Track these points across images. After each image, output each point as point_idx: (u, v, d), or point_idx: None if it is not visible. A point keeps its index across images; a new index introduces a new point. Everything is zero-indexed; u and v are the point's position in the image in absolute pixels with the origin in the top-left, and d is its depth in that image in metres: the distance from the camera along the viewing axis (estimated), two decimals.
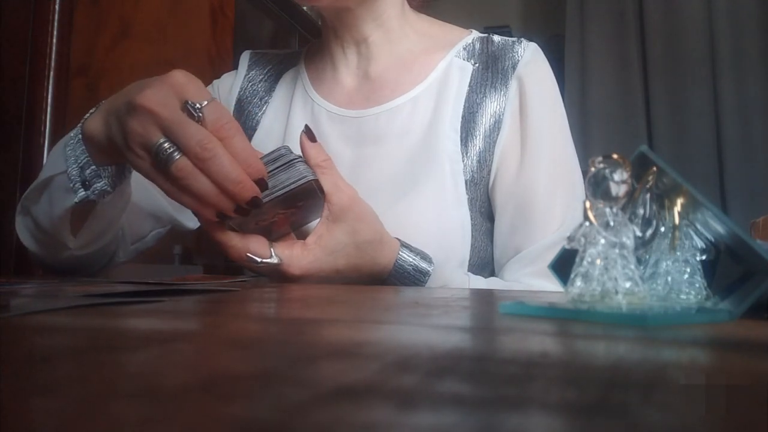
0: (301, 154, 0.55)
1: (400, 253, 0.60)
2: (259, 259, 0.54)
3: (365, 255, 0.57)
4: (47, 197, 0.62)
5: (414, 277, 0.60)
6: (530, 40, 0.79)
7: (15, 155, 1.21)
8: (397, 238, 0.61)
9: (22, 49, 1.29)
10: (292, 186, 0.52)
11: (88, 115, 0.59)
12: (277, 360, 0.17)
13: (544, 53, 0.78)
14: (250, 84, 0.84)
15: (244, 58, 0.87)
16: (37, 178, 0.65)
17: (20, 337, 0.21)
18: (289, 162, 0.53)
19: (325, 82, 0.80)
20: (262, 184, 0.51)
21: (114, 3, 1.43)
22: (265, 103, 0.83)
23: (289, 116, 0.80)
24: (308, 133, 0.57)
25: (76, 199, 0.59)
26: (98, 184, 0.59)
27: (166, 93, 0.49)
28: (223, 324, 0.26)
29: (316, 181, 0.53)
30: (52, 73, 1.29)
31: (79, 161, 0.58)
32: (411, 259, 0.60)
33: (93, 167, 0.58)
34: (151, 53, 1.52)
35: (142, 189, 0.75)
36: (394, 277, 0.60)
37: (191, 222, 0.83)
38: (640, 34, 2.40)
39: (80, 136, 0.58)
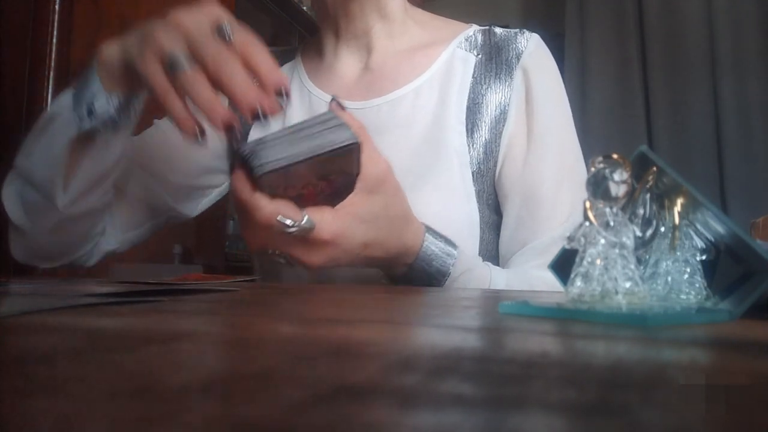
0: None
1: (427, 234, 0.58)
2: (290, 222, 0.50)
3: (393, 231, 0.55)
4: (47, 138, 0.62)
5: (441, 260, 0.58)
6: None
7: (15, 155, 1.20)
8: (423, 223, 0.59)
9: (22, 49, 1.29)
10: (339, 145, 0.50)
11: (103, 45, 0.60)
12: (277, 360, 0.17)
13: None
14: None
15: None
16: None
17: (20, 337, 0.21)
18: (338, 125, 0.51)
19: (322, 74, 0.79)
20: (280, 94, 0.50)
21: (114, 3, 1.43)
22: None
23: (286, 109, 0.79)
24: (338, 103, 0.55)
25: (80, 128, 0.59)
26: (105, 110, 0.59)
27: (202, 15, 0.50)
28: (223, 324, 0.26)
29: (359, 147, 0.51)
30: (52, 73, 1.29)
31: (88, 89, 0.59)
32: (437, 241, 0.58)
33: (102, 92, 0.59)
34: None
35: (137, 178, 0.75)
36: (421, 260, 0.58)
37: (188, 209, 0.82)
38: (640, 34, 2.40)
39: (93, 64, 0.59)
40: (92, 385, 0.13)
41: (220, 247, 1.82)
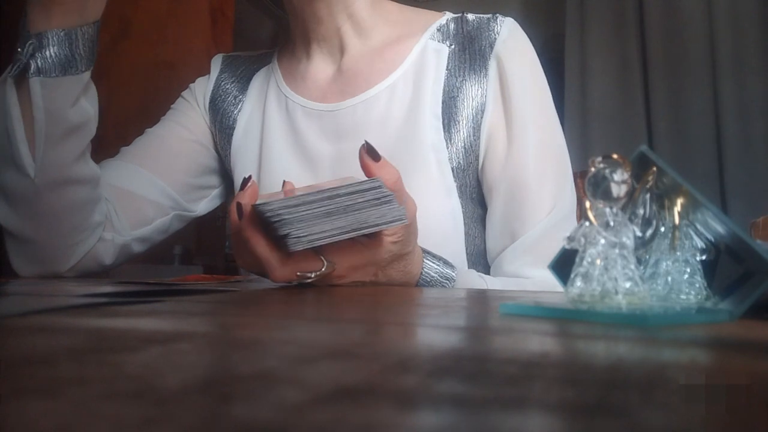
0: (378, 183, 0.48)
1: (425, 260, 0.58)
2: (312, 274, 0.49)
3: (399, 265, 0.55)
4: (2, 98, 0.61)
5: (440, 284, 0.58)
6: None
7: None
8: (421, 248, 0.58)
9: None
10: (388, 225, 0.48)
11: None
12: (277, 360, 0.17)
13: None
14: (223, 83, 0.84)
15: (216, 62, 0.87)
16: None
17: (20, 337, 0.21)
18: (385, 197, 0.47)
19: (297, 78, 0.79)
20: None
21: (114, 3, 1.43)
22: (240, 101, 0.82)
23: (265, 114, 0.79)
24: (371, 152, 0.51)
25: (11, 73, 0.59)
26: (29, 46, 0.59)
27: None
28: (222, 324, 0.26)
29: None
30: None
31: (21, 33, 0.60)
32: (435, 266, 0.58)
33: (27, 32, 0.60)
34: (150, 53, 1.52)
35: (136, 175, 0.75)
36: (420, 286, 0.58)
37: (193, 206, 0.82)
38: (640, 34, 2.40)
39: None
40: (92, 385, 0.13)
41: (220, 248, 1.82)
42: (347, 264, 0.51)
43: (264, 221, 0.47)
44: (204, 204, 0.84)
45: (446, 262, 0.59)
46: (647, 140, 2.33)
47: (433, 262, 0.59)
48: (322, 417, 0.11)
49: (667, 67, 2.33)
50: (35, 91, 0.60)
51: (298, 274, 0.49)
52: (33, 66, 0.59)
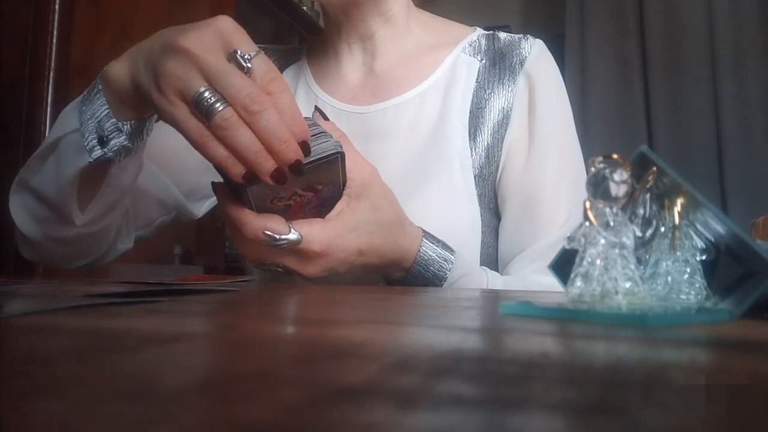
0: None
1: (424, 239, 0.58)
2: (277, 236, 0.50)
3: (388, 236, 0.55)
4: (54, 161, 0.58)
5: (438, 264, 0.58)
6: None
7: (15, 155, 1.20)
8: (419, 227, 0.59)
9: (22, 49, 1.29)
10: (322, 156, 0.49)
11: (108, 66, 0.54)
12: (277, 360, 0.17)
13: None
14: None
15: None
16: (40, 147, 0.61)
17: (20, 337, 0.21)
18: (320, 135, 0.50)
19: (328, 78, 0.80)
20: (305, 147, 0.47)
21: (114, 3, 1.43)
22: None
23: None
24: (321, 113, 0.55)
25: (91, 159, 0.54)
26: (117, 140, 0.54)
27: (213, 38, 0.47)
28: (223, 324, 0.26)
29: (343, 156, 0.50)
30: (52, 73, 1.29)
31: (96, 115, 0.54)
32: (435, 246, 0.59)
33: (113, 120, 0.54)
34: None
35: (149, 173, 0.74)
36: (418, 265, 0.58)
37: (195, 208, 0.81)
38: (640, 34, 2.40)
39: (99, 87, 0.54)
40: (92, 385, 0.13)
41: (220, 248, 1.82)
42: (320, 239, 0.51)
43: (229, 181, 0.50)
44: (207, 204, 0.84)
45: (445, 245, 0.60)
46: (647, 140, 2.33)
47: (432, 242, 0.59)
48: (322, 417, 0.11)
49: (667, 67, 2.33)
50: (117, 168, 0.58)
51: (265, 233, 0.50)
52: (123, 143, 0.56)
